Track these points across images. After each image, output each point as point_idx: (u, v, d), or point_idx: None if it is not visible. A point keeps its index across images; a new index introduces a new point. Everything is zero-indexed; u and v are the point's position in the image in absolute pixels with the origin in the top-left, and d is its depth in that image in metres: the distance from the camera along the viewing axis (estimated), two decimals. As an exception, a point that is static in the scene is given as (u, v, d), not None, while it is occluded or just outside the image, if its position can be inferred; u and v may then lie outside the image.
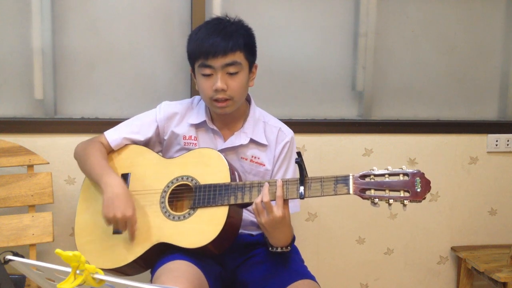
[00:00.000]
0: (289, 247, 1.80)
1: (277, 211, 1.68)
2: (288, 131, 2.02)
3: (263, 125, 1.99)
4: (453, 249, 2.77)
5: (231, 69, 1.84)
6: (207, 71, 1.85)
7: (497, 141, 2.77)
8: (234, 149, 1.95)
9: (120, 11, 2.44)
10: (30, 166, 2.26)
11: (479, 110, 2.83)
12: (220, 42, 1.82)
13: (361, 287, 2.74)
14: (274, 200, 1.70)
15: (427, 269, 2.79)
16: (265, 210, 1.68)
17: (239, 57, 1.85)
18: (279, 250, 1.79)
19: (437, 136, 2.71)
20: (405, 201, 1.60)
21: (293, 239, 1.86)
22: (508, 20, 2.80)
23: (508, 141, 2.78)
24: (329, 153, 2.61)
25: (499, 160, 2.79)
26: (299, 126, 2.48)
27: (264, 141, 1.96)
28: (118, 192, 1.80)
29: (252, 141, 1.95)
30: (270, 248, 1.81)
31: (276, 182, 1.71)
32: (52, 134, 2.37)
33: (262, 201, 1.68)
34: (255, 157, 1.95)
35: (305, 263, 1.96)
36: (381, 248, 2.73)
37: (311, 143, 2.59)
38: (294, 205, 1.96)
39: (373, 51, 2.66)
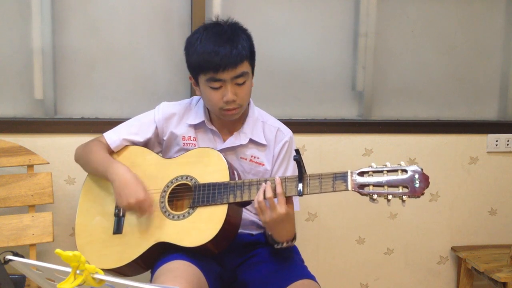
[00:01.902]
0: (294, 241, 1.80)
1: (280, 208, 1.68)
2: (286, 131, 2.02)
3: (262, 125, 1.99)
4: (453, 249, 2.77)
5: (240, 80, 1.84)
6: (217, 84, 1.84)
7: (497, 141, 2.77)
8: (233, 149, 1.95)
9: (120, 11, 2.44)
10: (30, 166, 2.26)
11: (479, 110, 2.83)
12: (229, 56, 1.79)
13: (361, 287, 2.74)
14: (275, 197, 1.70)
15: (427, 269, 2.79)
16: (269, 207, 1.68)
17: (246, 66, 1.84)
18: (284, 245, 1.79)
19: (437, 136, 2.72)
20: (403, 196, 1.60)
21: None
22: (508, 20, 2.80)
23: (508, 141, 2.78)
24: (329, 153, 2.61)
25: (499, 160, 2.79)
26: (299, 126, 2.48)
27: (263, 141, 1.96)
28: (126, 179, 1.81)
29: (251, 141, 1.95)
30: (275, 245, 1.80)
31: (274, 180, 1.71)
32: (52, 134, 2.37)
33: (264, 198, 1.68)
34: (254, 157, 1.95)
35: (305, 263, 1.96)
36: (381, 248, 2.73)
37: (311, 143, 2.59)
38: (294, 204, 1.96)
39: (373, 51, 2.66)
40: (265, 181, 1.74)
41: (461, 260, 2.69)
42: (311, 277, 1.84)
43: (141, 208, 1.80)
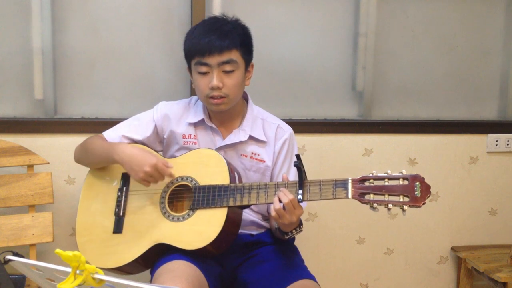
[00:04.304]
0: (301, 226, 1.80)
1: (299, 210, 1.69)
2: (286, 128, 2.02)
3: (262, 122, 2.00)
4: (453, 249, 2.77)
5: (227, 67, 1.85)
6: (203, 69, 1.86)
7: (497, 141, 2.77)
8: (233, 146, 1.95)
9: (120, 11, 2.44)
10: (30, 166, 2.26)
11: (479, 110, 2.83)
12: (216, 40, 1.83)
13: (361, 287, 2.74)
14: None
15: (427, 269, 2.79)
16: (287, 211, 1.67)
17: (235, 55, 1.85)
18: (294, 232, 1.80)
19: (437, 136, 2.71)
20: (404, 206, 1.59)
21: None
22: (508, 20, 2.80)
23: (508, 141, 2.78)
24: (329, 153, 2.61)
25: (499, 160, 2.79)
26: (299, 126, 2.47)
27: (263, 138, 1.96)
28: (132, 153, 1.82)
29: (251, 138, 1.96)
30: (285, 236, 1.81)
31: (278, 185, 1.73)
32: (52, 134, 2.37)
33: (286, 202, 1.66)
34: (255, 154, 1.96)
35: (305, 263, 1.96)
36: (381, 248, 2.73)
37: (311, 143, 2.59)
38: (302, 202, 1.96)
39: (373, 51, 2.66)
40: (266, 185, 1.75)
41: (461, 260, 2.69)
42: (311, 277, 1.84)
43: (159, 171, 1.79)
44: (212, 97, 1.86)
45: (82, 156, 2.02)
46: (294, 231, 1.79)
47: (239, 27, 1.92)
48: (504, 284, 2.41)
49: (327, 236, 2.67)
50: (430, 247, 2.78)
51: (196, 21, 2.38)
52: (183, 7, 2.47)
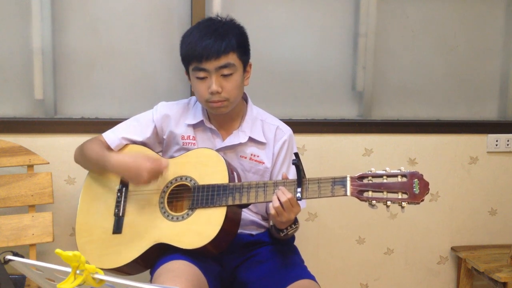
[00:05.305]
0: (297, 223, 1.81)
1: (297, 208, 1.70)
2: (286, 129, 2.02)
3: (261, 124, 1.99)
4: (453, 249, 2.77)
5: (225, 71, 1.84)
6: (201, 74, 1.85)
7: (497, 141, 2.77)
8: (233, 147, 1.95)
9: (120, 11, 2.44)
10: (30, 166, 2.26)
11: (479, 110, 2.83)
12: (213, 45, 1.81)
13: (361, 287, 2.74)
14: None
15: (427, 269, 2.79)
16: (285, 210, 1.67)
17: (232, 58, 1.85)
18: (289, 229, 1.80)
19: (437, 136, 2.71)
20: (403, 203, 1.59)
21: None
22: (508, 20, 2.80)
23: (508, 141, 2.78)
24: (329, 153, 2.61)
25: (499, 160, 2.79)
26: (299, 126, 2.48)
27: (262, 139, 1.96)
28: (124, 162, 1.83)
29: (250, 139, 1.96)
30: (281, 233, 1.81)
31: (277, 184, 1.72)
32: (52, 134, 2.37)
33: (284, 201, 1.67)
34: (254, 155, 1.96)
35: (305, 263, 1.96)
36: (381, 248, 2.73)
37: (311, 143, 2.59)
38: (301, 202, 1.96)
39: (373, 51, 2.66)
40: (265, 184, 1.75)
41: (461, 260, 2.69)
42: (311, 277, 1.84)
43: (157, 172, 1.81)
44: (212, 101, 1.86)
45: (80, 160, 2.03)
46: (289, 227, 1.79)
47: (235, 27, 1.90)
48: (504, 284, 2.41)
49: (327, 236, 2.67)
50: (430, 247, 2.78)
51: (196, 21, 2.38)
52: (183, 7, 2.47)
